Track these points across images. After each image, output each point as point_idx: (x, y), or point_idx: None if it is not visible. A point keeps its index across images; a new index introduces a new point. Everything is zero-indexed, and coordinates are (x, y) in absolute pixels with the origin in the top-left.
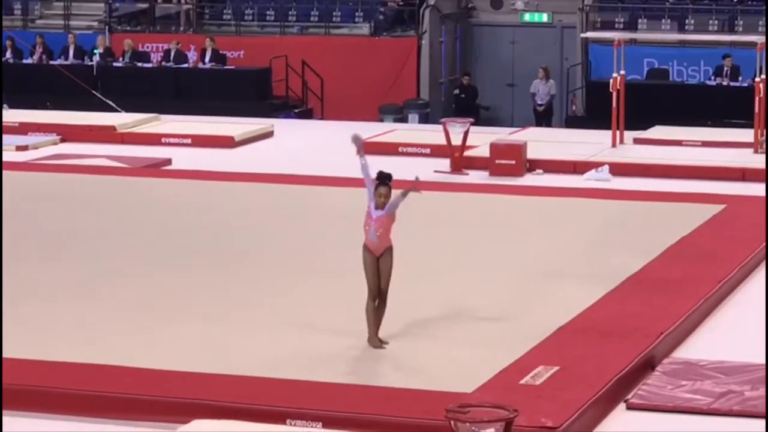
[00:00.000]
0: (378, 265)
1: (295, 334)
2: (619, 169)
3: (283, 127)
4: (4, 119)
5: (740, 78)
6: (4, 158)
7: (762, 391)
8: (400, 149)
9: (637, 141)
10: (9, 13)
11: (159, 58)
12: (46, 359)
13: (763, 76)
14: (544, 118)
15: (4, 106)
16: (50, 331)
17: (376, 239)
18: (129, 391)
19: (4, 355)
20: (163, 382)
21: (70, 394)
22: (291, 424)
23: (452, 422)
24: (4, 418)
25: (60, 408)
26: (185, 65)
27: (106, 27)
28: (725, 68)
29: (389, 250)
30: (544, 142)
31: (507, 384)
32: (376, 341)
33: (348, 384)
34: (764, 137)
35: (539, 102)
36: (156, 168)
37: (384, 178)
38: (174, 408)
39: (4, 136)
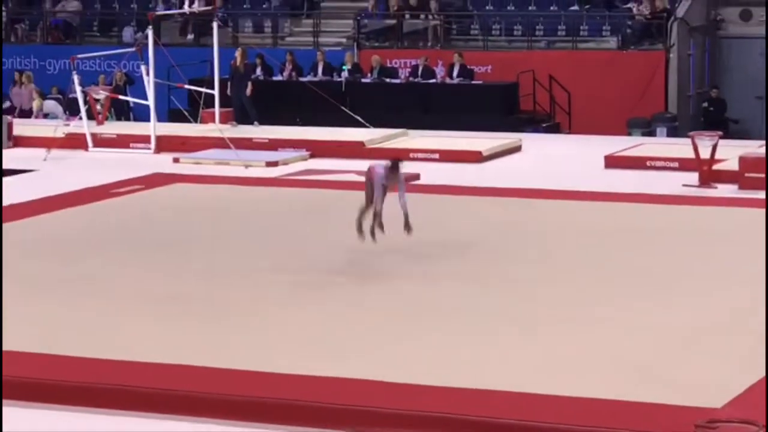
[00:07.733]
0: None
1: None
2: None
3: (531, 141)
4: (255, 136)
5: None
6: (256, 174)
7: None
8: (648, 163)
9: None
10: (260, 31)
11: (407, 74)
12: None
13: None
14: None
15: (255, 123)
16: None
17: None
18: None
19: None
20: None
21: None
22: None
23: None
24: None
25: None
26: (433, 80)
27: (355, 43)
28: None
29: None
30: None
31: (757, 400)
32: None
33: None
34: None
35: None
36: (404, 183)
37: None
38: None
39: (255, 152)
